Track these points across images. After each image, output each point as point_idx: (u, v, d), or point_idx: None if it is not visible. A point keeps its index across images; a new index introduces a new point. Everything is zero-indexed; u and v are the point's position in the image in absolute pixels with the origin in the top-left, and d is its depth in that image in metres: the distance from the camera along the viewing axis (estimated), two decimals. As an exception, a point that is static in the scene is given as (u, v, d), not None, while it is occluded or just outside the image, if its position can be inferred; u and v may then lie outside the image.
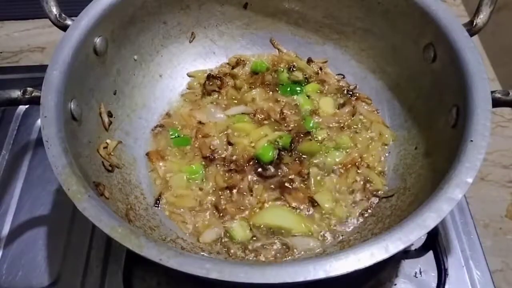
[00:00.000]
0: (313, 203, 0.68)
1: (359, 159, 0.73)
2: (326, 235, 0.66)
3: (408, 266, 0.67)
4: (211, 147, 0.75)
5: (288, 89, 0.82)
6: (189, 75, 0.86)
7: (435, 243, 0.68)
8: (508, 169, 0.82)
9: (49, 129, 0.56)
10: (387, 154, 0.75)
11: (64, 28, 0.67)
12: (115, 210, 0.56)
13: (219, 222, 0.67)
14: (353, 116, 0.79)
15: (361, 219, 0.68)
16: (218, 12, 0.85)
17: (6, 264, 0.69)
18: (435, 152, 0.65)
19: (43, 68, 0.61)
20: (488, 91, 0.57)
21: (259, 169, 0.71)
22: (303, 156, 0.73)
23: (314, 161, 0.73)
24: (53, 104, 0.58)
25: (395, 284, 0.66)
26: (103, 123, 0.70)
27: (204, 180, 0.72)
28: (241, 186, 0.70)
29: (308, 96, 0.82)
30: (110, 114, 0.72)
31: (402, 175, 0.70)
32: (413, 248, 0.69)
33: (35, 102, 0.59)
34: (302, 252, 0.65)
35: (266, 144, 0.74)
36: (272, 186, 0.70)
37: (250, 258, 0.64)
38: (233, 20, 0.86)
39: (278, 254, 0.64)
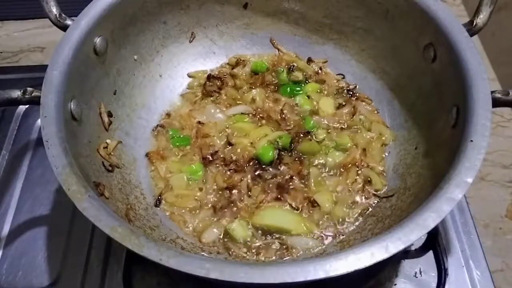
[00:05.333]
0: (313, 203, 0.68)
1: (359, 159, 0.73)
2: (326, 235, 0.66)
3: (408, 266, 0.67)
4: (211, 147, 0.75)
5: (288, 89, 0.82)
6: (189, 76, 0.86)
7: (435, 243, 0.68)
8: (508, 169, 0.82)
9: (49, 129, 0.56)
10: (387, 154, 0.75)
11: (64, 28, 0.67)
12: (115, 210, 0.56)
13: (219, 222, 0.67)
14: (353, 116, 0.79)
15: (361, 219, 0.68)
16: (218, 12, 0.85)
17: (6, 264, 0.69)
18: (435, 152, 0.65)
19: (43, 68, 0.61)
20: (488, 91, 0.57)
21: (259, 169, 0.71)
22: (303, 156, 0.73)
23: (314, 161, 0.73)
24: (53, 104, 0.58)
25: (395, 284, 0.66)
26: (103, 123, 0.70)
27: (204, 180, 0.72)
28: (241, 186, 0.70)
29: (308, 96, 0.82)
30: (110, 114, 0.72)
31: (402, 175, 0.70)
32: (413, 248, 0.69)
33: (35, 102, 0.59)
34: (302, 252, 0.65)
35: (266, 144, 0.74)
36: (272, 186, 0.70)
37: (250, 258, 0.64)
38: (233, 20, 0.86)
39: (278, 254, 0.64)
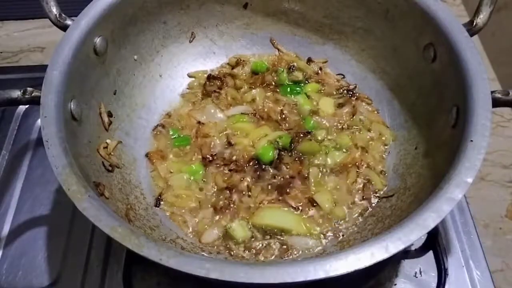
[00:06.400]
0: (312, 203, 0.68)
1: (359, 159, 0.73)
2: (326, 235, 0.66)
3: (408, 266, 0.67)
4: (211, 147, 0.75)
5: (288, 89, 0.82)
6: (189, 76, 0.86)
7: (435, 243, 0.68)
8: (508, 169, 0.82)
9: (49, 129, 0.56)
10: (387, 154, 0.75)
11: (64, 28, 0.67)
12: (115, 210, 0.56)
13: (219, 222, 0.67)
14: (353, 116, 0.79)
15: (361, 219, 0.68)
16: (218, 12, 0.85)
17: (6, 264, 0.69)
18: (435, 152, 0.65)
19: (43, 68, 0.61)
20: (488, 91, 0.57)
21: (259, 169, 0.71)
22: (303, 156, 0.73)
23: (314, 161, 0.73)
24: (53, 104, 0.58)
25: (395, 284, 0.66)
26: (103, 123, 0.70)
27: (204, 180, 0.72)
28: (241, 186, 0.70)
29: (308, 96, 0.82)
30: (110, 114, 0.72)
31: (402, 175, 0.70)
32: (413, 248, 0.69)
33: (35, 102, 0.59)
34: (302, 252, 0.65)
35: (266, 144, 0.74)
36: (272, 186, 0.70)
37: (250, 258, 0.64)
38: (233, 20, 0.86)
39: (278, 254, 0.64)
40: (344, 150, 0.75)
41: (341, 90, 0.83)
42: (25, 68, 0.98)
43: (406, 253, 0.68)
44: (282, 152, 0.73)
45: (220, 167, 0.73)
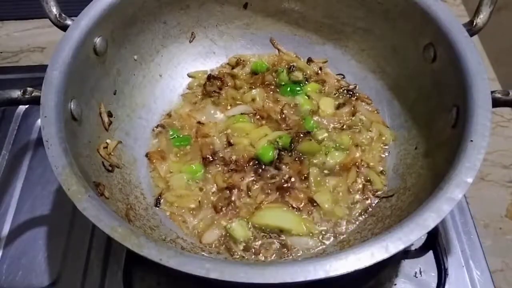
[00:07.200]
0: (312, 203, 0.68)
1: (359, 159, 0.73)
2: (326, 235, 0.66)
3: (408, 266, 0.67)
4: (211, 147, 0.75)
5: (288, 89, 0.82)
6: (189, 76, 0.86)
7: (435, 243, 0.68)
8: (508, 169, 0.82)
9: (49, 129, 0.56)
10: (387, 154, 0.75)
11: (64, 28, 0.67)
12: (115, 210, 0.56)
13: (219, 222, 0.67)
14: (353, 116, 0.79)
15: (361, 219, 0.68)
16: (218, 12, 0.85)
17: (6, 264, 0.70)
18: (435, 152, 0.65)
19: (43, 68, 0.61)
20: (488, 91, 0.57)
21: (259, 169, 0.71)
22: (303, 156, 0.73)
23: (314, 161, 0.73)
24: (53, 104, 0.58)
25: (395, 284, 0.66)
26: (103, 123, 0.70)
27: (204, 180, 0.72)
28: (241, 186, 0.70)
29: (308, 96, 0.82)
30: (110, 114, 0.72)
31: (402, 175, 0.70)
32: (413, 248, 0.69)
33: (35, 102, 0.59)
34: (302, 252, 0.65)
35: (266, 144, 0.74)
36: (272, 186, 0.70)
37: (250, 258, 0.64)
38: (233, 20, 0.86)
39: (278, 254, 0.64)
40: (344, 150, 0.75)
41: (341, 90, 0.83)
42: (25, 68, 0.98)
43: (406, 253, 0.68)
44: (282, 152, 0.73)
45: (220, 167, 0.73)
